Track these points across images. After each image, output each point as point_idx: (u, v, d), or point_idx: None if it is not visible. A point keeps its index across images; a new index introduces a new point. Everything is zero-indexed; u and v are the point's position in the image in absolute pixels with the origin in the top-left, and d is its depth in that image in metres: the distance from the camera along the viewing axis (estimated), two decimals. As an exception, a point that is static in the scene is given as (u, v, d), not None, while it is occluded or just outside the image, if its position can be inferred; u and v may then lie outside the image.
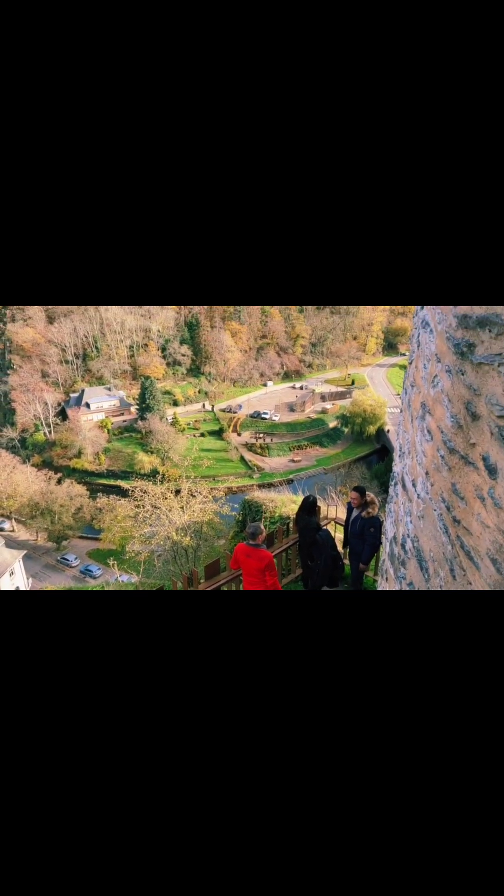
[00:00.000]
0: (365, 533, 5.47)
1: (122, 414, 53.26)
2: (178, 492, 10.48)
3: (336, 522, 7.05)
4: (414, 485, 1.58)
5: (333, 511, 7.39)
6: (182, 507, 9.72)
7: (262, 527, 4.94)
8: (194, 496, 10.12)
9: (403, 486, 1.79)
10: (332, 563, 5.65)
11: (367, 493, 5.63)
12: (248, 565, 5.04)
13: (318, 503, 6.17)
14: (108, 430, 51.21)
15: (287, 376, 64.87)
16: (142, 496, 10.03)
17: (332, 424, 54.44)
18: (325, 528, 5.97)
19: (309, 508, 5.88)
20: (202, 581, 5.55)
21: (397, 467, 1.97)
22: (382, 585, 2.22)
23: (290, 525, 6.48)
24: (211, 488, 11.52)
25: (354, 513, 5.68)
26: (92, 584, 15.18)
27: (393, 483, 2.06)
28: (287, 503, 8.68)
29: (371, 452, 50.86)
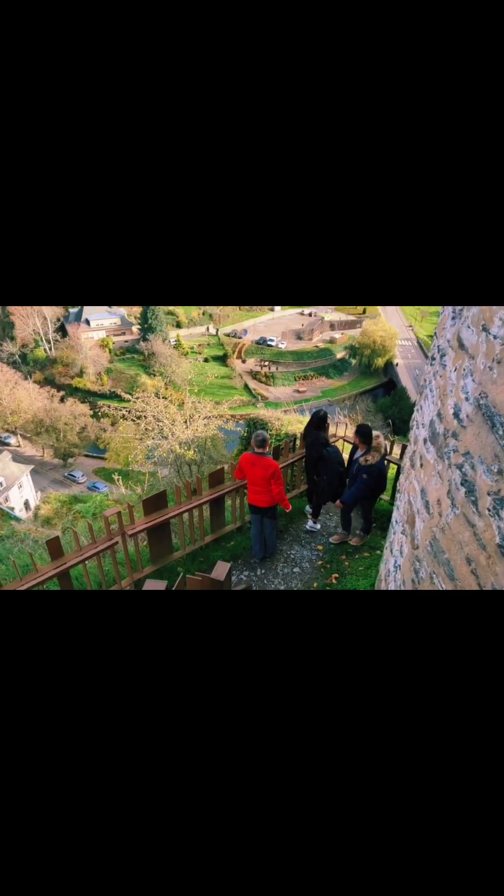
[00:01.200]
0: (358, 478, 5.15)
1: (124, 333, 51.39)
2: (181, 405, 10.24)
3: (345, 441, 6.84)
4: (486, 329, 1.27)
5: (343, 430, 7.17)
6: (185, 421, 9.52)
7: (268, 436, 4.72)
8: (198, 411, 9.87)
9: (460, 345, 1.48)
10: (338, 479, 5.52)
11: (374, 435, 5.04)
12: (253, 474, 4.90)
13: (328, 420, 5.92)
14: (110, 350, 49.73)
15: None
16: (143, 408, 9.78)
17: (339, 355, 52.67)
18: (333, 444, 5.77)
19: (318, 423, 5.65)
20: (206, 490, 5.46)
21: (448, 332, 1.64)
22: (411, 474, 2.00)
23: (297, 441, 6.28)
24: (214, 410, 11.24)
25: (358, 453, 5.31)
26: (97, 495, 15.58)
27: (438, 356, 1.75)
28: (293, 422, 8.45)
29: (377, 386, 49.75)
